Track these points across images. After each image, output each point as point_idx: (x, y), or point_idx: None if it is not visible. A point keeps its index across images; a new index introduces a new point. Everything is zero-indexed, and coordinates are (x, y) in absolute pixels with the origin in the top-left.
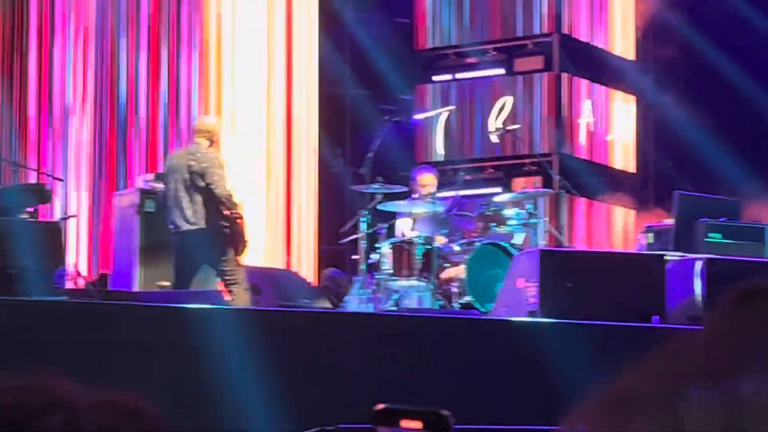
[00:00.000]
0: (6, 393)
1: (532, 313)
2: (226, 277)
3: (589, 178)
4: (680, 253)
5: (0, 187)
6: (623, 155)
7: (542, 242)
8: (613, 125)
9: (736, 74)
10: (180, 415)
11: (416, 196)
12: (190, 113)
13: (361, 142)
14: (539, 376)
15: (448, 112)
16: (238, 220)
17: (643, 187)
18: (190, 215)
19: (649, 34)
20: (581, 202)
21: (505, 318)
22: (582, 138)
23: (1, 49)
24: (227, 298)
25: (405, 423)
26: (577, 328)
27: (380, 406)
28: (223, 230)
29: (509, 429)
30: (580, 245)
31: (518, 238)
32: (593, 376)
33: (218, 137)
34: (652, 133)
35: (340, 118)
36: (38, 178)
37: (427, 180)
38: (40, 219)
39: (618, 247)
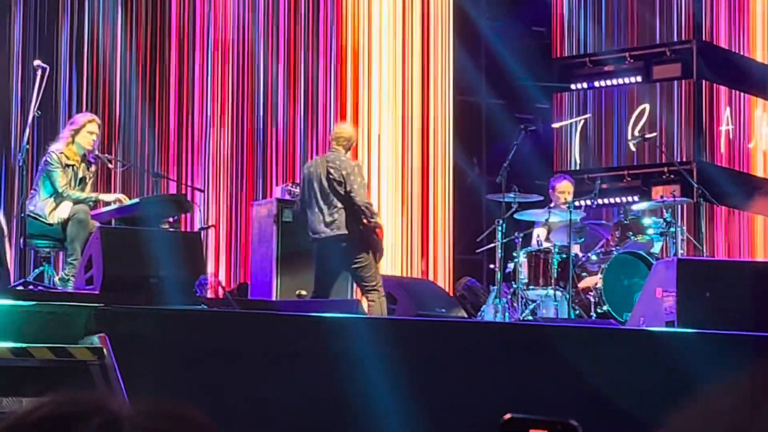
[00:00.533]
0: (45, 405)
1: (669, 323)
2: (365, 284)
3: (729, 187)
4: None
5: (141, 197)
6: (764, 163)
7: (681, 251)
8: (753, 133)
9: None
10: (316, 423)
11: (553, 205)
12: (327, 123)
13: (496, 151)
14: (677, 386)
15: (584, 121)
16: (376, 230)
17: None
18: (330, 222)
19: None
20: (721, 211)
21: (642, 328)
22: (722, 146)
23: (141, 62)
24: (365, 304)
25: None
26: (715, 339)
27: (508, 415)
28: (362, 237)
29: None
30: (719, 255)
31: (656, 247)
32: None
33: (354, 145)
34: None
35: (476, 127)
36: (179, 189)
37: (564, 187)
38: (180, 229)
39: (759, 256)
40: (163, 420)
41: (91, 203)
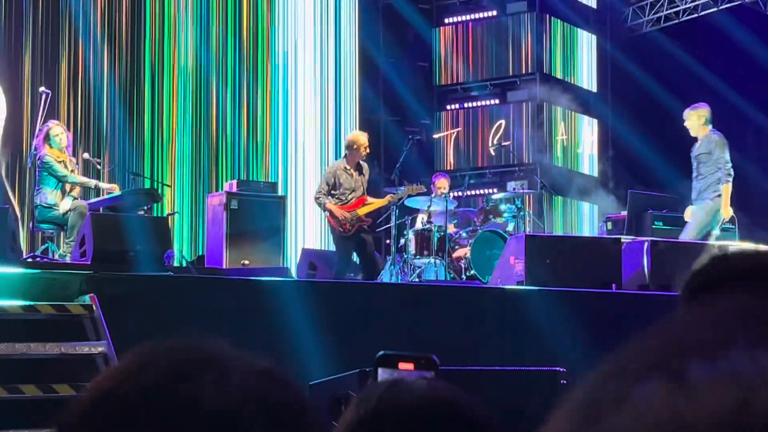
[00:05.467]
0: (159, 355)
1: (519, 283)
2: None
3: (564, 181)
4: (632, 237)
5: (123, 191)
6: (588, 164)
7: (528, 229)
8: (580, 141)
9: (672, 101)
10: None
11: (433, 195)
12: (267, 135)
13: (391, 155)
14: (525, 330)
15: (456, 132)
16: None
17: (605, 188)
18: None
19: (607, 71)
20: (557, 199)
21: (499, 286)
22: (558, 151)
23: (123, 87)
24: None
25: (401, 365)
26: (554, 294)
27: (381, 352)
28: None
29: (491, 369)
30: (556, 231)
31: (510, 227)
32: (567, 328)
33: (356, 148)
34: (611, 146)
35: (375, 137)
36: (151, 184)
37: (441, 183)
38: (152, 215)
39: (585, 232)
40: (271, 384)
41: (92, 188)
